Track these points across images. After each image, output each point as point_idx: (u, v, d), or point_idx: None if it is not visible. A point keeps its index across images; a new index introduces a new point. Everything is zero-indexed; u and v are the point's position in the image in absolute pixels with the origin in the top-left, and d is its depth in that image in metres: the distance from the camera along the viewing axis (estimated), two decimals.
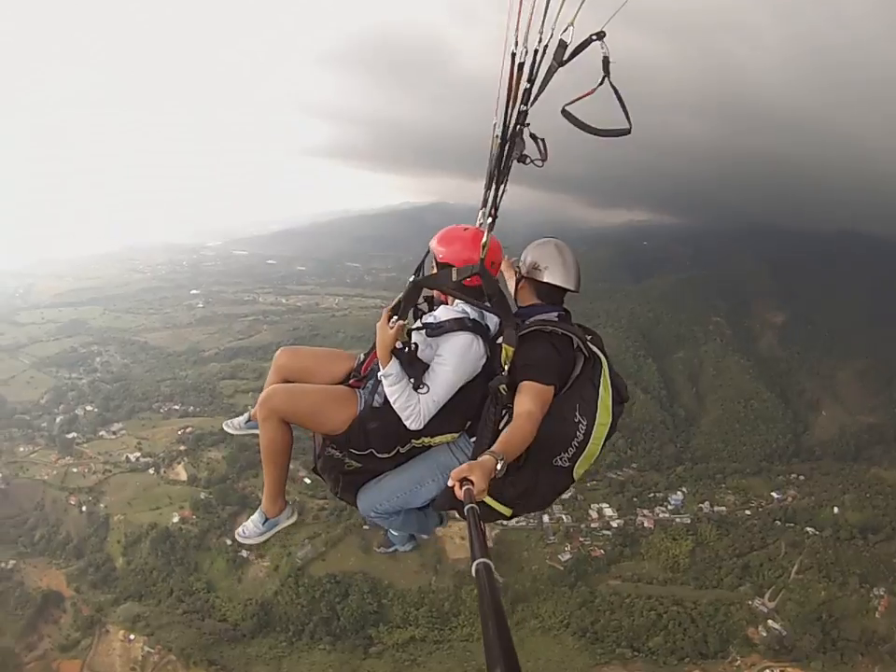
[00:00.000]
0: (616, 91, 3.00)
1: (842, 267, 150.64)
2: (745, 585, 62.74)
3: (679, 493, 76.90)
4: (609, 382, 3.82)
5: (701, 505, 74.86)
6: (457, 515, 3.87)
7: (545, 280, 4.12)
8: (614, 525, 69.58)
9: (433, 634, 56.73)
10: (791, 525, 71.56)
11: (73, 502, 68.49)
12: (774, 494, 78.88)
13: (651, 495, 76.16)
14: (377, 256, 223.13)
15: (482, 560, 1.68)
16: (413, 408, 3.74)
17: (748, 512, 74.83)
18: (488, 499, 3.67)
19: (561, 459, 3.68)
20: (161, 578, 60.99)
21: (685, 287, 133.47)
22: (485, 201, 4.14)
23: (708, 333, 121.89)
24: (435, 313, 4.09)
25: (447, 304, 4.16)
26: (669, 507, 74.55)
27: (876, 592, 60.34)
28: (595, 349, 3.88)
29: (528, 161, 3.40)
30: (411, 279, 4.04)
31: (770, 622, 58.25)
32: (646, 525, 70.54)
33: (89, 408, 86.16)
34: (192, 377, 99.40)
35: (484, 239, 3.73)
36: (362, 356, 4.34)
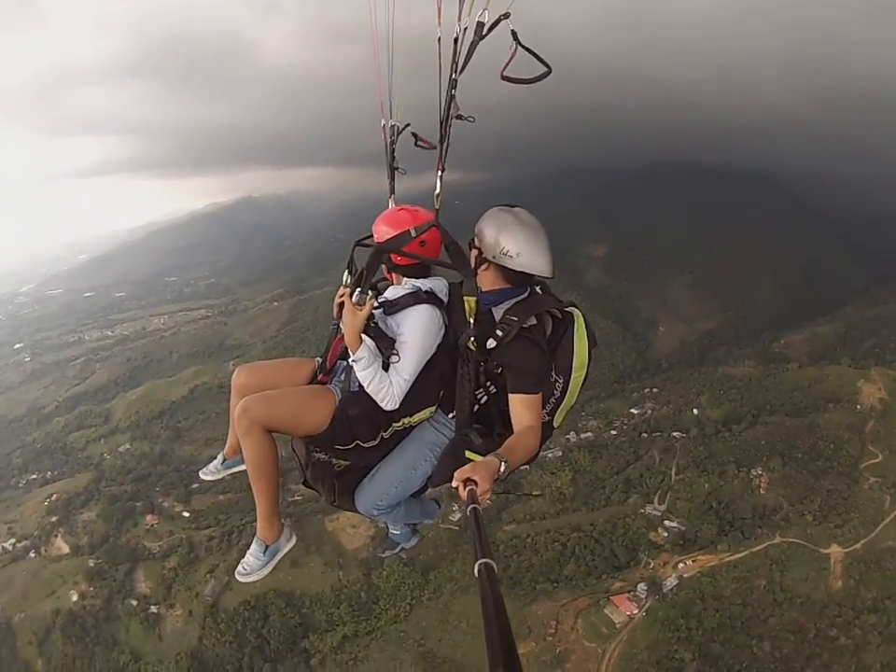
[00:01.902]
0: (529, 49, 3.40)
1: (654, 194, 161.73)
2: (632, 497, 66.26)
3: None
4: (584, 332, 3.80)
5: (567, 436, 76.74)
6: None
7: (518, 269, 3.67)
8: None
9: (362, 626, 56.34)
10: (658, 433, 76.25)
11: None
12: (633, 410, 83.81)
13: None
14: (192, 265, 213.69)
15: (483, 560, 1.77)
16: (387, 389, 3.75)
17: (613, 432, 78.78)
18: None
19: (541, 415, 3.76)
20: (85, 664, 56.36)
21: None
22: (392, 189, 4.57)
23: None
24: (385, 294, 4.10)
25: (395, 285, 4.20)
26: None
27: (755, 472, 65.90)
28: (568, 309, 3.83)
29: (463, 118, 3.63)
30: (345, 273, 4.18)
31: (666, 522, 62.20)
32: (520, 468, 72.85)
33: None
34: (40, 439, 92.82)
35: (437, 190, 3.74)
36: (319, 359, 4.32)
